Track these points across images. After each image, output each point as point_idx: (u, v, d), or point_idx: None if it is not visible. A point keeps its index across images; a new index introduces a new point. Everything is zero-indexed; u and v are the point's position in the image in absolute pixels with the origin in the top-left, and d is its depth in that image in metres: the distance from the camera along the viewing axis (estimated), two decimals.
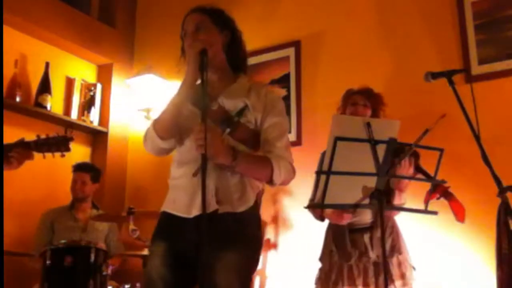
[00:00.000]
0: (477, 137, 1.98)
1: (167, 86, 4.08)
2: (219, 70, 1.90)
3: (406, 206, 2.42)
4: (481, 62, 3.02)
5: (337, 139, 1.78)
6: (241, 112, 1.81)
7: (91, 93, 4.17)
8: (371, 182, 1.88)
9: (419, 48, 3.24)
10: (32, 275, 3.26)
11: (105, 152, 4.17)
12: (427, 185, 2.16)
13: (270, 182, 1.80)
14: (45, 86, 3.77)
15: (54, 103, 3.85)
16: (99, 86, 4.21)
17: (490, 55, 3.02)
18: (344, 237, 2.48)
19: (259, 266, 2.32)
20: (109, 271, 3.01)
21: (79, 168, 3.56)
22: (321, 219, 2.62)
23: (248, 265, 1.79)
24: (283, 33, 3.76)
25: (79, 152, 4.01)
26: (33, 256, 3.23)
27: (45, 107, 3.75)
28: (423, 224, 2.80)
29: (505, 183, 1.88)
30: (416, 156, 2.40)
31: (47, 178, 3.73)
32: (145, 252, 2.96)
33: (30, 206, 3.63)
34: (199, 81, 1.74)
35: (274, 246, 3.42)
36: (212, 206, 1.73)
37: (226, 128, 1.78)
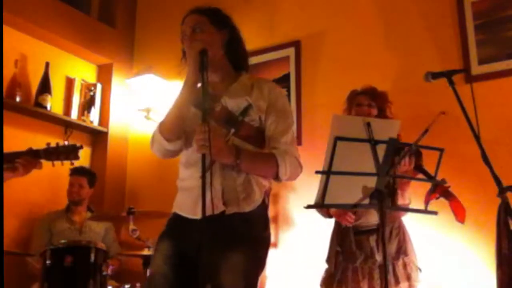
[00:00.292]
0: (477, 137, 1.98)
1: (167, 86, 4.08)
2: (220, 69, 1.90)
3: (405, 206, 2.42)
4: (481, 62, 3.02)
5: (337, 139, 1.78)
6: (245, 111, 1.81)
7: (91, 93, 4.17)
8: (371, 182, 1.88)
9: (419, 48, 3.24)
10: (32, 275, 3.27)
11: (105, 152, 4.17)
12: (428, 185, 2.16)
13: (276, 178, 1.80)
14: (45, 86, 3.77)
15: (54, 103, 3.85)
16: (99, 86, 4.21)
17: (490, 55, 3.02)
18: (348, 237, 2.47)
19: None
20: (109, 271, 3.01)
21: (76, 171, 3.57)
22: (329, 216, 2.61)
23: (254, 266, 1.78)
24: (283, 33, 3.76)
25: None
26: (33, 256, 3.23)
27: (45, 107, 3.75)
28: (423, 224, 2.80)
29: (505, 183, 1.88)
30: (418, 155, 2.38)
31: (49, 179, 3.72)
32: (145, 252, 2.96)
33: (31, 207, 3.64)
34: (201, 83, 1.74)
35: (275, 245, 3.42)
36: (219, 207, 1.73)
37: (231, 129, 1.79)
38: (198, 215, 1.75)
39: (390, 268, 2.35)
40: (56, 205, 3.64)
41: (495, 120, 2.81)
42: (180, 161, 1.93)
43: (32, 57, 3.82)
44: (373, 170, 1.86)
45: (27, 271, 3.34)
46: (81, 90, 4.15)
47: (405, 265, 2.38)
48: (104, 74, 4.34)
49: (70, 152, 2.21)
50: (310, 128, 3.50)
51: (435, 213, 1.98)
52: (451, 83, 2.11)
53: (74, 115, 4.02)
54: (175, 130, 1.82)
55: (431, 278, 2.77)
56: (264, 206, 1.86)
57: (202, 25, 1.85)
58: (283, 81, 3.67)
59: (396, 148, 1.87)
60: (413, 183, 2.42)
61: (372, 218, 2.47)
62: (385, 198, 1.89)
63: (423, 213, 2.01)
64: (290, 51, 3.72)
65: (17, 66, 3.67)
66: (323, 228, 2.72)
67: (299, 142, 3.50)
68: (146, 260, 2.94)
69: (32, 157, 2.15)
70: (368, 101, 2.59)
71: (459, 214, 2.26)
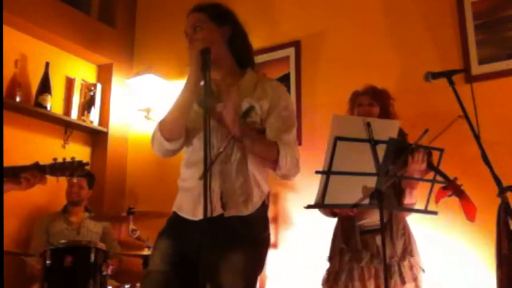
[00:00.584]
0: (477, 137, 1.98)
1: (167, 86, 4.08)
2: (224, 67, 1.87)
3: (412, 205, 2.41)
4: (481, 62, 3.02)
5: (337, 139, 1.78)
6: (247, 113, 1.78)
7: (91, 93, 4.17)
8: (371, 182, 1.88)
9: (419, 48, 3.24)
10: (32, 276, 3.27)
11: (105, 152, 4.17)
12: (436, 184, 2.13)
13: (276, 165, 1.75)
14: (45, 86, 3.77)
15: (54, 103, 3.85)
16: (99, 86, 4.21)
17: (490, 55, 3.02)
18: (354, 237, 2.46)
19: None
20: (109, 271, 3.01)
21: None
22: (333, 215, 2.60)
23: (254, 266, 1.78)
24: (283, 33, 3.76)
25: (79, 152, 4.00)
26: (33, 256, 3.23)
27: (45, 107, 3.75)
28: (423, 224, 2.80)
29: (505, 183, 1.88)
30: (429, 153, 2.36)
31: (48, 179, 3.71)
32: (145, 252, 2.96)
33: (31, 207, 3.64)
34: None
35: (275, 245, 3.42)
36: (218, 210, 1.72)
37: None
38: (197, 217, 1.75)
39: (396, 268, 2.35)
40: (56, 206, 3.64)
41: (495, 120, 2.81)
42: (183, 157, 1.92)
43: (32, 57, 3.82)
44: (373, 170, 1.86)
45: (26, 272, 3.34)
46: (81, 90, 4.14)
47: (411, 266, 2.37)
48: (104, 74, 4.34)
49: (76, 168, 2.20)
50: (310, 128, 3.50)
51: (435, 213, 1.98)
52: (451, 83, 2.11)
53: (74, 115, 4.02)
54: (175, 130, 1.81)
55: (431, 278, 2.77)
56: (264, 208, 1.85)
57: (202, 23, 1.83)
58: (283, 81, 3.67)
59: (396, 148, 1.87)
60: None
61: (377, 218, 2.46)
62: (386, 198, 1.89)
63: (423, 213, 2.00)
64: (290, 51, 3.72)
65: (17, 66, 3.67)
66: (323, 228, 2.72)
67: (299, 142, 3.49)
68: (146, 260, 2.94)
69: (38, 172, 2.14)
70: (369, 100, 2.59)
71: (469, 213, 2.22)
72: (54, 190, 3.74)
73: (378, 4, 3.48)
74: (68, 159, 2.17)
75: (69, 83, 4.09)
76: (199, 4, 1.89)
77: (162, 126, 1.83)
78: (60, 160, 2.15)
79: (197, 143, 1.84)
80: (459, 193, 2.26)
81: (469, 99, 2.06)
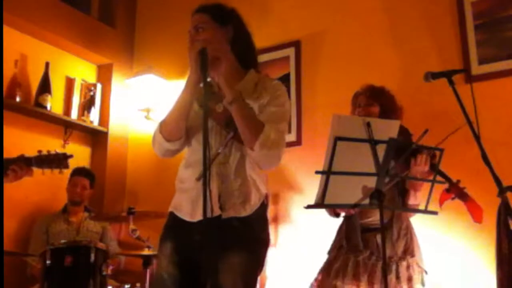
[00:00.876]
0: (477, 137, 1.98)
1: (167, 86, 4.08)
2: (226, 68, 1.84)
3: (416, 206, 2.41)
4: (481, 62, 3.02)
5: (337, 139, 1.78)
6: None
7: (91, 93, 4.17)
8: (371, 182, 1.88)
9: (419, 48, 3.24)
10: (32, 276, 3.27)
11: (105, 152, 4.17)
12: (437, 186, 2.13)
13: (256, 141, 1.67)
14: (45, 86, 3.77)
15: (54, 103, 3.85)
16: (99, 86, 4.21)
17: (490, 55, 3.02)
18: (356, 235, 2.46)
19: None
20: (109, 271, 3.01)
21: (80, 172, 3.59)
22: (336, 215, 2.59)
23: (253, 266, 1.78)
24: (283, 33, 3.76)
25: (79, 152, 4.00)
26: (33, 257, 3.23)
27: (45, 107, 3.74)
28: (424, 224, 2.80)
29: (505, 183, 1.88)
30: (432, 155, 2.36)
31: (48, 179, 3.70)
32: (145, 252, 2.96)
33: (31, 207, 3.64)
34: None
35: (274, 245, 3.42)
36: (216, 211, 1.72)
37: (230, 132, 1.76)
38: (195, 219, 1.76)
39: (393, 268, 2.35)
40: (56, 206, 3.65)
41: (495, 120, 2.81)
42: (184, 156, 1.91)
43: (32, 57, 3.82)
44: (373, 170, 1.86)
45: (26, 272, 3.35)
46: (81, 90, 4.14)
47: (408, 266, 2.37)
48: (104, 74, 4.34)
49: (61, 161, 2.22)
50: (310, 128, 3.50)
51: (435, 213, 1.98)
52: (451, 83, 2.11)
53: (74, 115, 4.02)
54: (174, 130, 1.81)
55: (431, 278, 2.77)
56: (263, 208, 1.85)
57: (204, 24, 1.82)
58: (283, 81, 3.60)
59: (396, 147, 1.87)
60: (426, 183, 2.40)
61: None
62: (388, 198, 1.89)
63: (423, 213, 2.00)
64: (290, 51, 3.72)
65: (17, 66, 3.67)
66: (323, 228, 2.72)
67: (299, 142, 3.50)
68: (146, 260, 2.94)
69: (24, 164, 2.16)
70: (367, 100, 2.58)
71: (476, 215, 2.21)
72: (54, 190, 3.75)
73: (378, 4, 3.48)
74: (52, 151, 2.20)
75: (69, 83, 4.09)
76: (203, 5, 1.88)
77: (162, 127, 1.83)
78: (44, 152, 2.17)
79: (196, 144, 1.84)
80: (462, 196, 2.26)
81: (469, 99, 2.06)
